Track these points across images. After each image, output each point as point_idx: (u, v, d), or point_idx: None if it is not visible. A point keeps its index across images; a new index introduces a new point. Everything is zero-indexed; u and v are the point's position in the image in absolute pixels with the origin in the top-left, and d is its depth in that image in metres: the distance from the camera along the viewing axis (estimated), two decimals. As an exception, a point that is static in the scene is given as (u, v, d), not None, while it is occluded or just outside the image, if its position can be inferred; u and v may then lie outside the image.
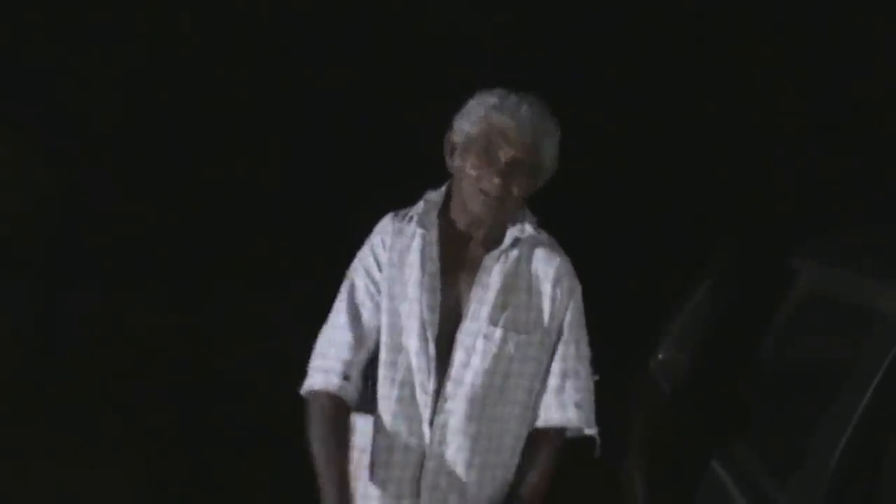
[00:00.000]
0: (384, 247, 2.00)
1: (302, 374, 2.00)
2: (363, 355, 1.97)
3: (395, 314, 1.96)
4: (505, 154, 1.90)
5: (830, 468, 1.77)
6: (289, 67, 7.55)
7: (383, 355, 1.96)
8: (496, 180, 1.89)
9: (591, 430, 2.02)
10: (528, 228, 2.02)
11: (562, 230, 2.09)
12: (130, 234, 7.62)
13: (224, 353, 5.91)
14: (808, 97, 7.20)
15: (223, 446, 4.73)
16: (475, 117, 1.93)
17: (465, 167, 1.94)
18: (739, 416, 2.38)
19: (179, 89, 7.50)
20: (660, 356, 3.23)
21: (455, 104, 2.02)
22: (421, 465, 1.95)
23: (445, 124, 2.03)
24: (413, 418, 1.94)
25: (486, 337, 1.94)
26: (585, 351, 2.04)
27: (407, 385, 1.94)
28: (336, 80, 6.86)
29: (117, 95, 7.51)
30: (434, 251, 1.97)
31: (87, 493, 4.09)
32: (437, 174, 2.07)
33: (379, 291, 1.98)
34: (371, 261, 2.00)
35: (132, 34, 7.43)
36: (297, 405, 1.97)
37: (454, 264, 1.98)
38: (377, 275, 1.99)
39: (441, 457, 1.94)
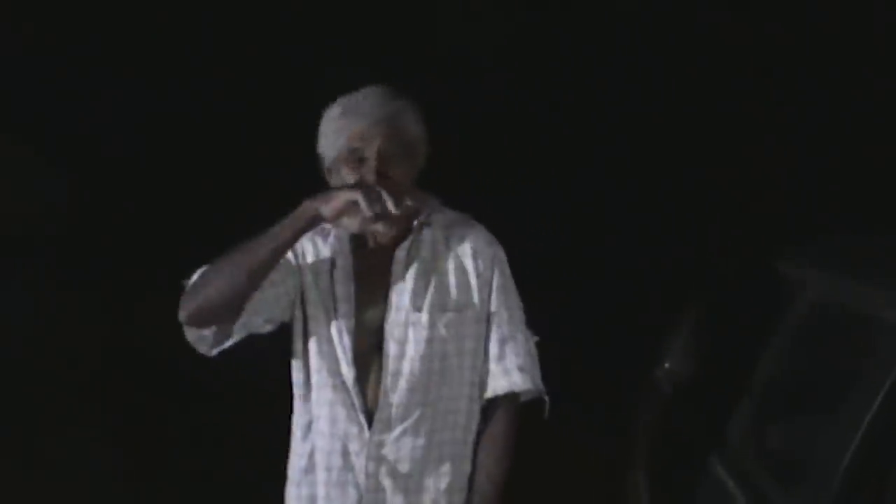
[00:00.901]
0: (307, 237, 2.01)
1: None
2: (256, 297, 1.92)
3: (317, 307, 1.99)
4: (370, 151, 1.91)
5: (837, 478, 1.78)
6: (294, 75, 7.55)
7: (313, 346, 1.99)
8: (372, 177, 1.89)
9: (539, 392, 2.03)
10: (435, 211, 2.04)
11: (565, 237, 2.09)
12: (131, 235, 7.62)
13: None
14: (810, 102, 7.19)
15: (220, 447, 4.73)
16: (331, 134, 1.94)
17: (344, 179, 1.94)
18: (745, 425, 2.38)
19: (188, 91, 7.48)
20: (666, 364, 3.23)
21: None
22: (361, 453, 1.97)
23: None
24: (349, 406, 1.97)
25: (413, 324, 1.96)
26: (519, 314, 2.05)
27: (338, 375, 1.98)
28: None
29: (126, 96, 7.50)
30: (346, 246, 2.02)
31: (84, 493, 4.09)
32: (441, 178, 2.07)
33: (295, 258, 2.00)
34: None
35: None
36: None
37: (371, 262, 2.01)
38: (297, 248, 2.00)
39: (381, 445, 1.97)
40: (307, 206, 1.85)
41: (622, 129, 7.52)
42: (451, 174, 2.08)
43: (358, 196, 1.80)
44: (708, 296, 3.24)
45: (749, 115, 7.52)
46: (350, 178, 1.92)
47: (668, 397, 3.12)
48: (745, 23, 7.40)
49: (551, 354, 2.11)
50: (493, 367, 2.01)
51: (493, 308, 2.02)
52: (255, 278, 1.88)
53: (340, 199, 1.82)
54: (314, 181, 2.01)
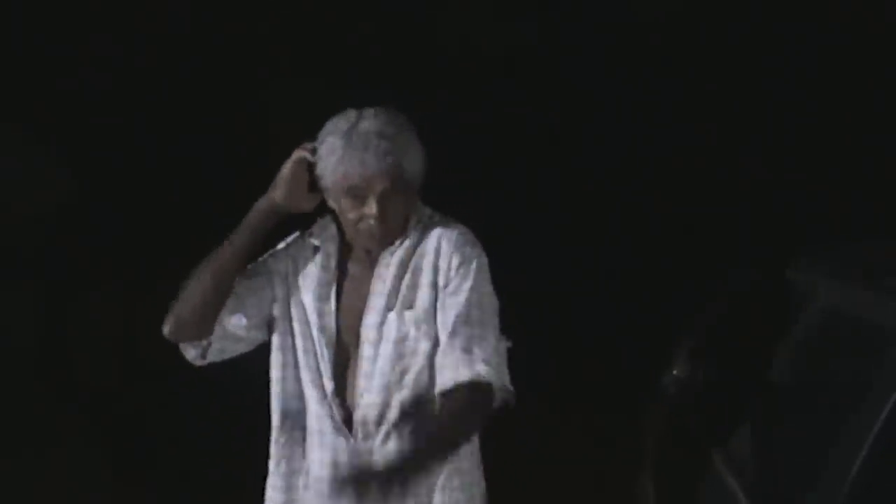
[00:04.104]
0: (287, 252, 2.10)
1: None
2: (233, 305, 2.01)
3: (302, 322, 2.04)
4: (373, 194, 1.92)
5: (845, 487, 1.76)
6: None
7: (301, 359, 2.04)
8: (372, 222, 1.94)
9: (504, 390, 1.94)
10: (423, 219, 2.05)
11: (572, 243, 2.07)
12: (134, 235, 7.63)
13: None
14: (821, 107, 7.17)
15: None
16: (330, 163, 1.93)
17: (339, 210, 1.99)
18: (754, 434, 2.37)
19: (190, 91, 7.50)
20: (674, 372, 3.24)
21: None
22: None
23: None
24: (333, 418, 2.00)
25: (384, 324, 1.98)
26: (491, 317, 1.99)
27: (321, 388, 2.01)
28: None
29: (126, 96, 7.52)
30: (331, 262, 2.05)
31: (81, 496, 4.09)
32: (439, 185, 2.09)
33: (280, 276, 2.06)
34: (273, 255, 2.10)
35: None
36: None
37: (358, 272, 2.05)
38: (272, 263, 2.08)
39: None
40: (259, 201, 1.99)
41: (627, 133, 7.52)
42: (453, 177, 2.04)
43: (301, 153, 1.96)
44: (717, 303, 3.24)
45: (758, 120, 7.51)
46: (350, 213, 1.96)
47: (676, 404, 3.11)
48: (753, 23, 7.40)
49: (557, 360, 2.08)
50: (459, 356, 1.92)
51: (460, 308, 1.96)
52: (221, 281, 1.98)
53: (283, 173, 1.96)
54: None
